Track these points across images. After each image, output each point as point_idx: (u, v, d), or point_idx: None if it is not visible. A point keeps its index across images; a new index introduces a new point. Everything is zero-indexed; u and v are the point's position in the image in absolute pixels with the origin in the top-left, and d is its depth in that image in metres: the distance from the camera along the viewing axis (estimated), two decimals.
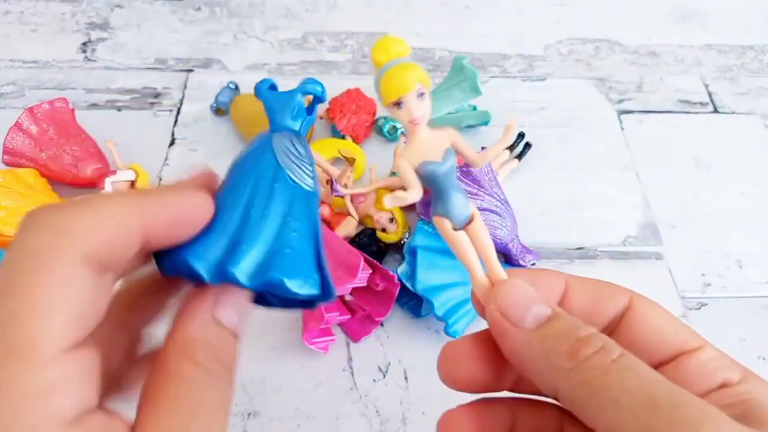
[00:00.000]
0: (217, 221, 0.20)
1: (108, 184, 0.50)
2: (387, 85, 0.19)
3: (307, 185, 0.22)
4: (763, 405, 0.17)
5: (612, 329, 0.20)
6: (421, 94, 0.19)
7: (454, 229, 0.20)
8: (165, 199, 0.18)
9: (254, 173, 0.21)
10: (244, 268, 0.19)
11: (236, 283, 0.19)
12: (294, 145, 0.23)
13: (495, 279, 0.20)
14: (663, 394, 0.15)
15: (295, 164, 0.22)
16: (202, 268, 0.18)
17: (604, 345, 0.17)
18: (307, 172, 0.23)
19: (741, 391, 0.18)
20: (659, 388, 0.16)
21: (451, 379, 0.20)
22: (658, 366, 0.19)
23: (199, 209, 0.19)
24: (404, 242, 0.48)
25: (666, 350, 0.19)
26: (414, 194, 0.20)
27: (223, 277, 0.19)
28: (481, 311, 0.20)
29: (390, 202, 0.19)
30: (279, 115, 0.24)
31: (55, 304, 0.14)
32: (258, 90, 0.24)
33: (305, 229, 0.21)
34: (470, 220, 0.21)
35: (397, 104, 0.19)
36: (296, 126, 0.24)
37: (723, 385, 0.18)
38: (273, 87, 0.25)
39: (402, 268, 0.44)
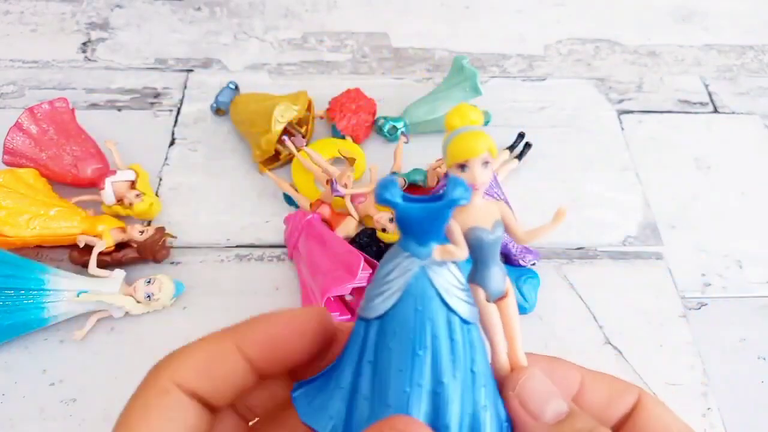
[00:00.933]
0: (409, 397, 0.17)
1: (108, 184, 0.50)
2: (456, 147, 0.19)
3: (471, 316, 0.18)
4: None
5: (620, 425, 0.21)
6: (487, 163, 0.19)
7: (487, 300, 0.20)
8: (261, 317, 0.19)
9: (424, 325, 0.17)
10: None
11: None
12: (450, 270, 0.18)
13: (515, 363, 0.20)
14: None
15: (459, 298, 0.18)
16: None
17: None
18: (468, 299, 0.18)
19: None
20: None
21: None
22: None
23: (303, 324, 0.19)
24: None
25: None
26: (463, 253, 0.19)
27: None
28: (499, 384, 0.20)
29: (439, 254, 0.19)
30: (427, 236, 0.18)
31: (141, 427, 0.16)
32: (388, 200, 0.17)
33: (484, 373, 0.18)
34: (504, 296, 0.20)
35: (462, 167, 0.19)
36: (441, 242, 0.18)
37: None
38: (396, 185, 0.17)
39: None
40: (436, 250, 0.18)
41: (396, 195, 0.17)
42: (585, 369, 0.21)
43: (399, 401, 0.17)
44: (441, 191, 0.17)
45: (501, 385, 0.19)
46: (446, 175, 0.47)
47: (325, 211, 0.49)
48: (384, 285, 0.18)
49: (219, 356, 0.17)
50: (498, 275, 0.20)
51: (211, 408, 0.18)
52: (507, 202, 0.49)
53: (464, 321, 0.18)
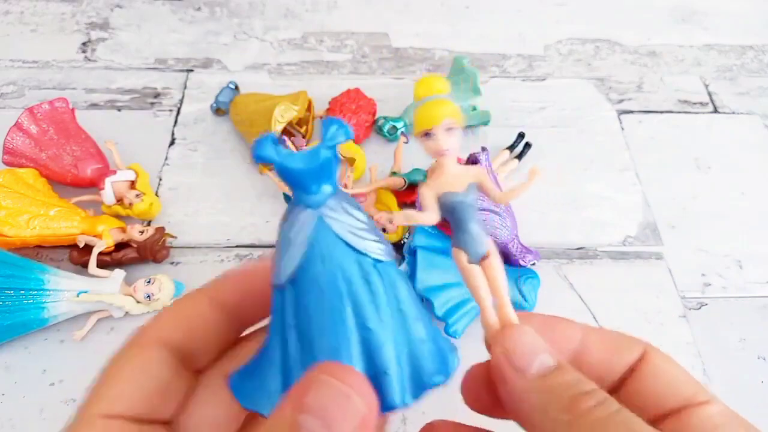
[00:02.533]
0: (338, 350, 0.16)
1: (108, 184, 0.50)
2: (420, 116, 0.19)
3: (385, 254, 0.18)
4: None
5: (625, 379, 0.21)
6: (450, 129, 0.19)
7: (469, 263, 0.20)
8: (233, 271, 0.19)
9: (335, 275, 0.17)
10: (400, 394, 0.17)
11: (398, 408, 0.16)
12: (348, 212, 0.17)
13: (505, 321, 0.20)
14: None
15: (365, 238, 0.17)
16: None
17: (604, 399, 0.17)
18: (375, 237, 0.18)
19: None
20: None
21: (476, 408, 0.21)
22: (665, 417, 0.19)
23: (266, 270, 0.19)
24: (404, 242, 0.48)
25: (674, 402, 0.19)
26: (428, 217, 0.19)
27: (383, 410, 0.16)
28: (488, 348, 0.20)
29: (401, 219, 0.19)
30: (313, 182, 0.17)
31: (112, 380, 0.17)
32: (263, 155, 0.16)
33: (415, 307, 0.18)
34: (486, 256, 0.20)
35: (427, 134, 0.19)
36: (334, 185, 0.18)
37: None
38: (275, 141, 0.17)
39: (402, 268, 0.44)
40: (397, 215, 0.18)
41: (270, 149, 0.16)
42: (588, 326, 0.21)
43: (329, 358, 0.16)
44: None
45: (490, 343, 0.19)
46: None
47: None
48: (287, 245, 0.17)
49: (194, 311, 0.18)
50: (478, 237, 0.20)
51: (194, 369, 0.18)
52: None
53: (377, 261, 0.17)
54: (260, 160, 0.17)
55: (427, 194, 0.19)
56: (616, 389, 0.20)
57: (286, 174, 0.17)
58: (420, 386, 0.17)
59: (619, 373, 0.20)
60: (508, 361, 0.18)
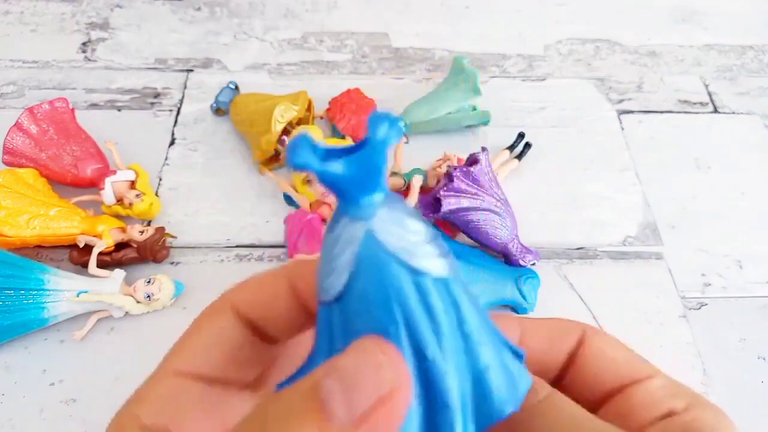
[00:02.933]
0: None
1: (108, 184, 0.50)
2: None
3: (447, 269, 0.15)
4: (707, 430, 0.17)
5: (568, 365, 0.20)
6: None
7: None
8: (313, 260, 0.18)
9: (388, 297, 0.14)
10: (462, 427, 0.14)
11: None
12: (403, 223, 0.15)
13: None
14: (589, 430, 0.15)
15: (422, 253, 0.15)
16: None
17: (533, 387, 0.17)
18: (435, 251, 0.15)
19: (686, 419, 0.17)
20: (586, 428, 0.16)
21: None
22: (608, 397, 0.19)
23: None
24: None
25: (616, 381, 0.19)
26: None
27: None
28: None
29: None
30: (363, 191, 0.14)
31: (189, 339, 0.17)
32: (301, 164, 0.14)
33: (483, 329, 0.15)
34: None
35: (309, 181, 0.20)
36: (385, 192, 0.15)
37: (668, 414, 0.18)
38: (312, 144, 0.14)
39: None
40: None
41: (308, 156, 0.14)
42: (526, 319, 0.20)
43: None
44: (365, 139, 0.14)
45: None
46: (446, 174, 0.47)
47: (325, 211, 0.49)
48: (333, 261, 0.15)
49: (270, 287, 0.18)
50: None
51: (269, 339, 0.18)
52: (507, 202, 0.49)
53: (436, 279, 0.15)
54: (297, 168, 0.14)
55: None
56: (559, 379, 0.20)
57: (328, 181, 0.14)
58: (486, 417, 0.15)
59: (560, 362, 0.20)
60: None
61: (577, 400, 0.18)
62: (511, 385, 0.15)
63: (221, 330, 0.17)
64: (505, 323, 0.19)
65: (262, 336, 0.18)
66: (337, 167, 0.14)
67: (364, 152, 0.14)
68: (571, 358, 0.20)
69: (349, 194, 0.14)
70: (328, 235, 0.15)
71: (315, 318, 0.16)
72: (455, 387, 0.14)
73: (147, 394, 0.16)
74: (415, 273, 0.14)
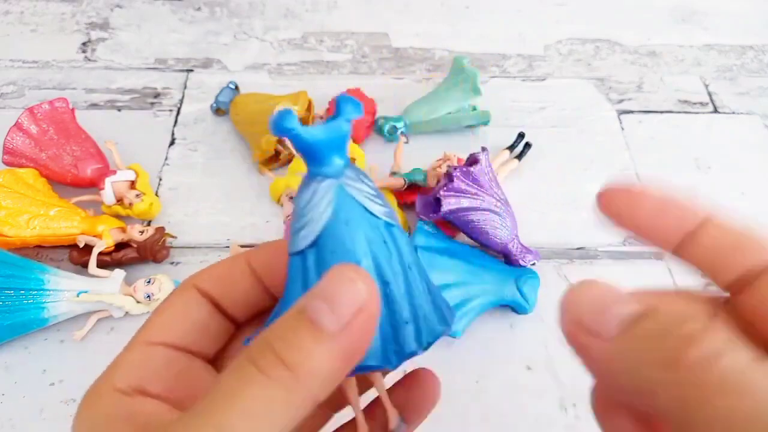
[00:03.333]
0: None
1: (108, 184, 0.50)
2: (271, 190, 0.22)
3: (393, 219, 0.19)
4: None
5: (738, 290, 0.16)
6: (292, 198, 0.21)
7: None
8: (268, 242, 0.21)
9: (359, 235, 0.18)
10: (416, 342, 0.18)
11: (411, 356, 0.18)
12: (363, 181, 0.19)
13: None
14: None
15: (378, 204, 0.19)
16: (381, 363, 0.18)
17: (716, 347, 0.13)
18: (384, 203, 0.19)
19: None
20: None
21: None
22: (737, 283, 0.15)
23: None
24: None
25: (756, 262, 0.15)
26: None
27: (399, 360, 0.18)
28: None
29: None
30: (332, 154, 0.18)
31: (157, 316, 0.19)
32: (287, 126, 0.18)
33: (420, 267, 0.19)
34: None
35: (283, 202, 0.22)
36: (347, 157, 0.19)
37: None
38: (291, 117, 0.18)
39: None
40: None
41: (294, 121, 0.18)
42: (712, 212, 0.17)
43: None
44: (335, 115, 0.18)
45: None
46: (446, 174, 0.47)
47: None
48: (308, 214, 0.18)
49: (231, 268, 0.20)
50: None
51: (231, 319, 0.20)
52: (507, 202, 0.49)
53: (388, 224, 0.19)
54: (281, 131, 0.17)
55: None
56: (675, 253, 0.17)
57: (307, 146, 0.18)
58: (429, 335, 0.18)
59: (725, 283, 0.16)
60: (579, 330, 0.15)
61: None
62: (443, 312, 0.19)
63: (185, 305, 0.19)
64: (680, 209, 0.17)
65: (224, 314, 0.20)
66: (315, 132, 0.18)
67: (334, 123, 0.18)
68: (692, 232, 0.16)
69: (322, 157, 0.18)
70: (301, 193, 0.19)
71: (272, 299, 0.20)
72: (408, 308, 0.18)
73: (120, 362, 0.18)
74: (375, 218, 0.18)
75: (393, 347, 0.18)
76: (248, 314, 0.20)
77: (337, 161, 0.18)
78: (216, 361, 0.20)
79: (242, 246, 0.49)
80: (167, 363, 0.18)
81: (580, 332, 0.15)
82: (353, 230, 0.18)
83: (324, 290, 0.15)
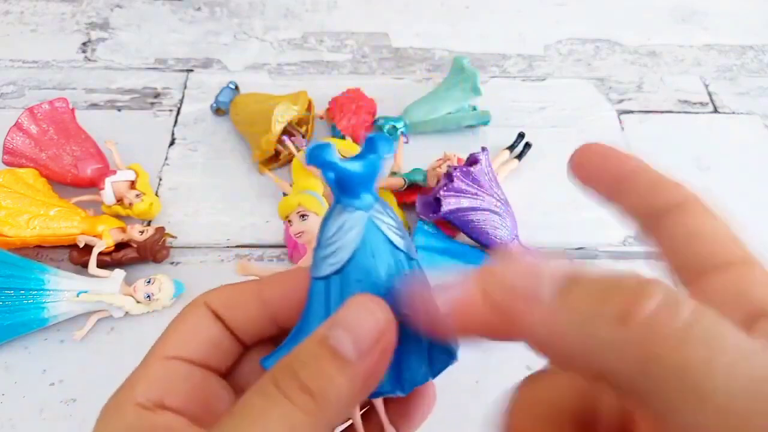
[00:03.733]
0: None
1: (108, 184, 0.50)
2: (281, 208, 0.22)
3: (414, 253, 0.20)
4: None
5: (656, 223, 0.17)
6: (303, 216, 0.22)
7: None
8: (280, 273, 0.21)
9: (383, 268, 0.19)
10: (428, 369, 0.19)
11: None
12: (389, 215, 0.20)
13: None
14: None
15: (402, 237, 0.20)
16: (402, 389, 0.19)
17: (665, 298, 0.12)
18: (406, 237, 0.20)
19: None
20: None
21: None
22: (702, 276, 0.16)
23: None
24: None
25: (718, 257, 0.16)
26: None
27: (411, 387, 0.19)
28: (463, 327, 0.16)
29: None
30: (367, 188, 0.19)
31: (173, 331, 0.19)
32: (326, 159, 0.18)
33: None
34: None
35: (289, 220, 0.22)
36: (375, 191, 0.20)
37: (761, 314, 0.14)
38: (330, 149, 0.19)
39: None
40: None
41: (333, 155, 0.18)
42: (642, 162, 0.18)
43: None
44: (364, 152, 0.19)
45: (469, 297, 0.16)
46: (446, 174, 0.47)
47: None
48: (335, 242, 0.19)
49: (241, 294, 0.20)
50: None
51: (239, 341, 0.20)
52: (507, 202, 0.49)
53: (409, 257, 0.20)
54: (322, 164, 0.18)
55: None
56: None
57: (346, 178, 0.19)
58: (441, 364, 0.20)
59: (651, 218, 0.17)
60: (513, 298, 0.14)
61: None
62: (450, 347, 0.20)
63: (198, 321, 0.19)
64: (619, 157, 0.19)
65: (232, 334, 0.20)
66: (353, 166, 0.18)
67: (370, 159, 0.19)
68: (660, 218, 0.17)
69: (357, 189, 0.19)
70: (329, 222, 0.19)
71: (277, 328, 0.20)
72: (423, 338, 0.19)
73: (139, 376, 0.18)
74: (398, 251, 0.19)
75: (406, 375, 0.19)
76: (253, 339, 0.21)
77: (369, 195, 0.19)
78: (228, 377, 0.20)
79: (242, 249, 0.49)
80: (185, 377, 0.18)
81: (515, 300, 0.14)
82: (378, 262, 0.19)
83: (345, 320, 0.16)
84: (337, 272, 0.19)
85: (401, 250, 0.19)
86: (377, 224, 0.19)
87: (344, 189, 0.19)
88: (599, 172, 0.19)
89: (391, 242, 0.19)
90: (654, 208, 0.17)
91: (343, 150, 0.51)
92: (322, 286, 0.19)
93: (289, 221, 0.22)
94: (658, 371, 0.11)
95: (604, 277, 0.14)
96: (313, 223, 0.22)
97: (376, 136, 0.19)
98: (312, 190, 0.22)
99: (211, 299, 0.20)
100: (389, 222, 0.19)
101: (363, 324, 0.16)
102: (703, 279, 0.16)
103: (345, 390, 0.15)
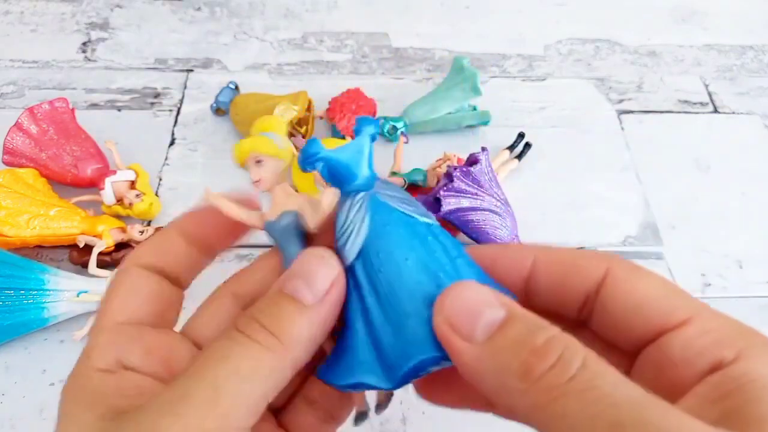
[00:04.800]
0: (420, 283, 0.18)
1: (108, 184, 0.50)
2: (234, 154, 0.23)
3: (429, 218, 0.20)
4: (763, 391, 0.14)
5: (591, 305, 0.18)
6: (258, 161, 0.21)
7: None
8: (192, 210, 0.22)
9: (400, 235, 0.19)
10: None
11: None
12: (393, 188, 0.20)
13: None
14: (631, 419, 0.13)
15: (413, 206, 0.20)
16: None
17: (561, 356, 0.14)
18: (417, 206, 0.20)
19: (737, 373, 0.14)
20: (626, 413, 0.13)
21: (433, 398, 0.20)
22: (643, 347, 0.17)
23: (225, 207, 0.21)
24: None
25: (648, 327, 0.16)
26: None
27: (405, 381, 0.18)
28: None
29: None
30: (359, 167, 0.20)
31: (111, 298, 0.19)
32: (315, 152, 0.19)
33: (466, 257, 0.19)
34: None
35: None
36: (373, 169, 0.20)
37: (715, 367, 0.15)
38: (318, 145, 0.20)
39: None
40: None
41: (320, 148, 0.19)
42: (541, 247, 0.19)
43: (413, 302, 0.18)
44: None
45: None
46: (446, 174, 0.47)
47: None
48: (349, 228, 0.19)
49: (165, 241, 0.21)
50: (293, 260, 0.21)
51: (177, 284, 0.21)
52: (507, 202, 0.49)
53: (426, 224, 0.19)
54: (307, 157, 0.19)
55: (253, 216, 0.21)
56: (583, 322, 0.18)
57: (335, 165, 0.19)
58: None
59: (579, 300, 0.18)
60: (451, 332, 0.16)
61: (609, 350, 0.16)
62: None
63: (132, 282, 0.20)
64: (514, 253, 0.19)
65: (175, 283, 0.21)
66: (338, 151, 0.19)
67: (354, 140, 0.20)
68: (593, 299, 0.17)
69: (349, 171, 0.19)
70: (339, 213, 0.20)
71: (210, 255, 0.22)
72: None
73: (92, 346, 0.18)
74: (412, 218, 0.19)
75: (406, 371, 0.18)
76: (192, 276, 0.22)
77: (364, 173, 0.20)
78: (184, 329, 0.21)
79: (242, 249, 0.49)
80: (137, 338, 0.18)
81: (452, 335, 0.16)
82: (392, 232, 0.19)
83: (300, 270, 0.18)
84: (358, 256, 0.19)
85: (413, 217, 0.19)
86: (382, 199, 0.19)
87: (339, 176, 0.19)
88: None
89: (402, 212, 0.19)
90: (582, 293, 0.18)
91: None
92: (350, 277, 0.19)
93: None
94: (544, 417, 0.14)
95: (525, 327, 0.15)
96: (271, 168, 0.22)
97: (361, 118, 0.20)
98: (270, 132, 0.22)
99: (137, 256, 0.20)
100: (395, 194, 0.20)
101: (318, 271, 0.18)
102: (654, 345, 0.16)
103: (305, 331, 0.17)
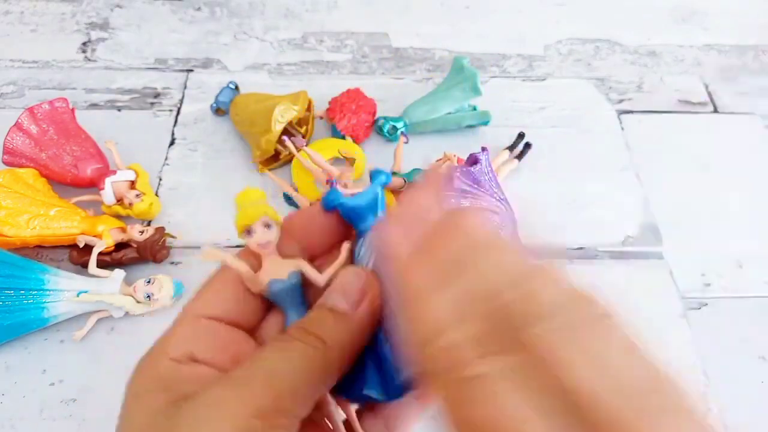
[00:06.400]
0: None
1: (108, 184, 0.50)
2: (239, 218, 0.23)
3: None
4: None
5: None
6: (267, 225, 0.23)
7: None
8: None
9: None
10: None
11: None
12: None
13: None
14: None
15: None
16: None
17: (453, 356, 0.17)
18: None
19: None
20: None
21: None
22: None
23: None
24: None
25: None
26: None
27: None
28: None
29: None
30: (372, 213, 0.22)
31: (201, 293, 0.22)
32: (336, 201, 0.22)
33: None
34: None
35: (249, 232, 0.23)
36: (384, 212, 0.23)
37: None
38: (338, 194, 0.22)
39: None
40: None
41: (341, 196, 0.22)
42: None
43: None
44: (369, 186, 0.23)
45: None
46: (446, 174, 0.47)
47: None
48: (362, 262, 0.22)
49: (227, 288, 0.22)
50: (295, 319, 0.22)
51: (244, 329, 0.22)
52: (507, 202, 0.49)
53: None
54: (330, 203, 0.22)
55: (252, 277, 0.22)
56: None
57: (353, 211, 0.22)
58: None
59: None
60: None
61: None
62: None
63: (224, 283, 0.22)
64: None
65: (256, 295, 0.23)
66: (356, 199, 0.22)
67: (369, 189, 0.22)
68: None
69: (364, 215, 0.22)
70: (356, 251, 0.22)
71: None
72: None
73: (171, 334, 0.20)
74: None
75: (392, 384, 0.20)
76: (251, 319, 0.23)
77: (377, 215, 0.22)
78: (254, 333, 0.23)
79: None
80: (213, 334, 0.21)
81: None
82: None
83: (337, 285, 0.21)
84: None
85: None
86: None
87: (355, 217, 0.22)
88: None
89: None
90: None
91: (344, 150, 0.51)
92: None
93: (248, 232, 0.23)
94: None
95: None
96: (276, 233, 0.23)
97: (374, 170, 0.23)
98: (261, 199, 0.24)
99: (202, 308, 0.22)
100: None
101: (351, 282, 0.21)
102: None
103: (346, 336, 0.20)
